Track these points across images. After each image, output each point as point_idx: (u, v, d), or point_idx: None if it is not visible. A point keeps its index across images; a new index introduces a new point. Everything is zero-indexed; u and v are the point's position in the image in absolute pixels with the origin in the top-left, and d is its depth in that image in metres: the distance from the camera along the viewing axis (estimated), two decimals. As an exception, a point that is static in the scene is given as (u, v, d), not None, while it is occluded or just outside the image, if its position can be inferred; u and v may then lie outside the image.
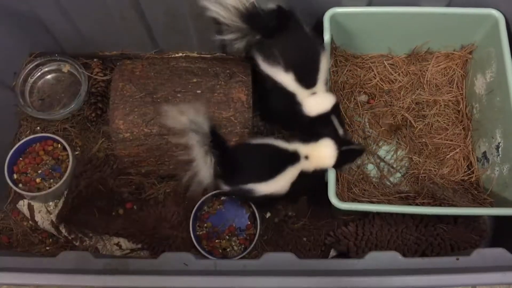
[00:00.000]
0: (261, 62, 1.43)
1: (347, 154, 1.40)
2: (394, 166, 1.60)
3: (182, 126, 1.25)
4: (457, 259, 1.11)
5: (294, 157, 1.38)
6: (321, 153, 1.38)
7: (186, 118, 1.25)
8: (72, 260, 1.13)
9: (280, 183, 1.38)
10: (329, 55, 1.45)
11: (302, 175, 1.38)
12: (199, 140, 1.27)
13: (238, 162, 1.38)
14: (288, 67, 1.38)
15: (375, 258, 1.11)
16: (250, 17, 1.34)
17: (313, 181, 1.43)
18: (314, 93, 1.40)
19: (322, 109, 1.40)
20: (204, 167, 1.30)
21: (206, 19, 1.50)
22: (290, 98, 1.41)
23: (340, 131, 1.41)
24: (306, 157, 1.38)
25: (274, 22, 1.37)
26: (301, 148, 1.39)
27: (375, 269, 1.08)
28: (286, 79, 1.39)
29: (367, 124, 1.64)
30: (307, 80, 1.40)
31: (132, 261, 1.14)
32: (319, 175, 1.41)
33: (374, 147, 1.62)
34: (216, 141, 1.30)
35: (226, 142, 1.38)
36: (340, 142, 1.38)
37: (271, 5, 1.37)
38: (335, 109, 1.42)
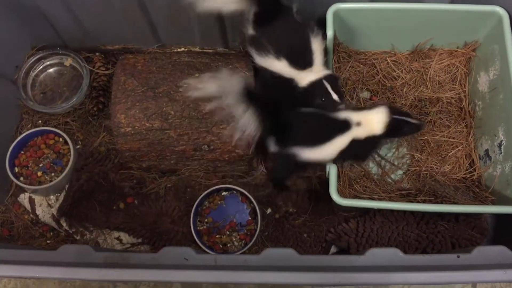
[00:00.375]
0: (255, 56, 1.44)
1: (400, 125, 1.38)
2: (396, 163, 1.60)
3: (213, 92, 1.24)
4: (458, 256, 1.10)
5: (344, 125, 1.38)
6: (373, 119, 1.38)
7: (215, 84, 1.23)
8: (73, 254, 1.13)
9: (327, 151, 1.38)
10: (321, 37, 1.44)
11: (354, 142, 1.38)
12: (235, 100, 1.25)
13: (289, 125, 1.39)
14: (279, 55, 1.39)
15: (376, 254, 1.10)
16: None
17: (364, 149, 1.44)
18: (313, 72, 1.40)
19: (314, 77, 1.39)
20: (248, 123, 1.28)
21: (209, 14, 1.51)
22: (289, 84, 1.41)
23: (335, 97, 1.37)
24: (358, 124, 1.38)
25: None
26: (353, 115, 1.39)
27: (375, 266, 1.08)
28: (281, 66, 1.40)
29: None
30: (302, 62, 1.40)
31: (132, 255, 1.14)
32: (371, 143, 1.42)
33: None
34: (254, 99, 1.28)
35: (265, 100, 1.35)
36: (395, 111, 1.38)
37: None
38: (329, 78, 1.39)
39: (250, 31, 1.46)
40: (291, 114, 1.42)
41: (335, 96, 1.37)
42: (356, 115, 1.39)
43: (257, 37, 1.44)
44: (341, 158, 1.42)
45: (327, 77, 1.38)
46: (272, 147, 1.42)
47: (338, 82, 1.40)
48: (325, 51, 1.45)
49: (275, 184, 1.61)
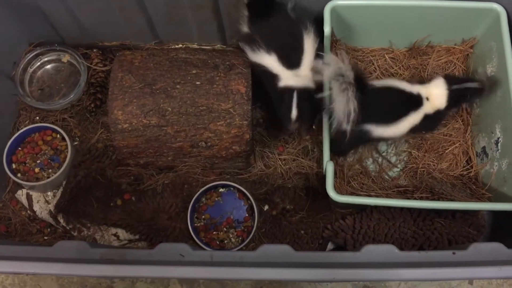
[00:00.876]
0: (248, 51, 1.46)
1: (462, 93, 1.39)
2: (393, 160, 1.60)
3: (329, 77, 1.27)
4: (454, 253, 1.10)
5: (418, 101, 1.40)
6: (434, 94, 1.39)
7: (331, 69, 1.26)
8: (69, 250, 1.13)
9: (401, 128, 1.41)
10: (315, 36, 1.44)
11: (425, 117, 1.40)
12: (343, 86, 1.26)
13: (364, 102, 1.38)
14: (270, 49, 1.40)
15: (371, 251, 1.10)
16: None
17: (433, 123, 1.46)
18: (297, 75, 1.40)
19: (291, 83, 1.39)
20: (346, 108, 1.29)
21: (206, 10, 1.51)
22: (274, 81, 1.42)
23: (293, 114, 1.38)
24: (427, 99, 1.39)
25: None
26: (422, 90, 1.40)
27: (371, 262, 1.08)
28: (270, 61, 1.41)
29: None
30: (290, 61, 1.40)
31: (128, 251, 1.14)
32: (439, 117, 1.44)
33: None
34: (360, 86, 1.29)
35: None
36: (452, 80, 1.38)
37: None
38: (302, 91, 1.38)
39: (245, 28, 1.48)
40: (366, 92, 1.41)
41: (293, 113, 1.37)
42: (424, 89, 1.40)
43: (250, 33, 1.46)
44: (411, 133, 1.44)
45: (300, 90, 1.37)
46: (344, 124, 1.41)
47: (311, 96, 1.39)
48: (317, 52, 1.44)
49: (336, 152, 1.58)
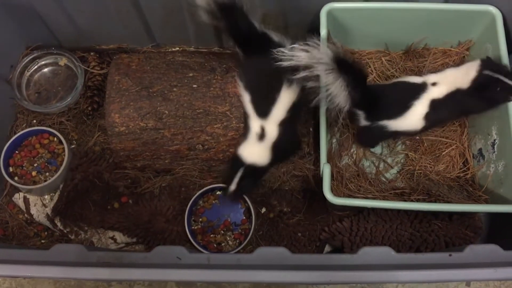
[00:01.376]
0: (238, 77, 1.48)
1: (491, 84, 1.26)
2: (389, 162, 1.60)
3: (304, 62, 1.23)
4: (450, 255, 1.11)
5: (419, 89, 1.39)
6: (459, 73, 1.36)
7: (306, 53, 1.23)
8: (66, 253, 1.13)
9: (412, 118, 1.41)
10: (295, 89, 1.40)
11: (435, 104, 1.38)
12: (325, 69, 1.23)
13: (374, 99, 1.40)
14: (247, 87, 1.42)
15: (368, 253, 1.11)
16: (225, 7, 1.33)
17: (450, 108, 1.41)
18: (262, 126, 1.40)
19: (241, 152, 1.42)
20: (339, 92, 1.28)
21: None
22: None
23: (232, 187, 1.41)
24: (434, 84, 1.37)
25: (246, 24, 1.38)
26: (431, 77, 1.39)
27: (367, 264, 1.08)
28: (245, 98, 1.43)
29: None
30: (260, 109, 1.40)
31: (125, 254, 1.14)
32: (456, 101, 1.37)
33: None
34: (345, 68, 1.26)
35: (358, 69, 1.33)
36: (491, 66, 1.28)
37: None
38: (252, 168, 1.41)
39: (240, 56, 1.48)
40: (375, 88, 1.43)
41: (232, 187, 1.40)
42: (434, 76, 1.40)
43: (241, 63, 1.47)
44: (432, 123, 1.42)
45: (248, 167, 1.40)
46: (362, 121, 1.44)
47: (254, 178, 1.42)
48: (295, 106, 1.42)
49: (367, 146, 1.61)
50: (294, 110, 1.42)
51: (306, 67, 1.23)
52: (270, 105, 1.39)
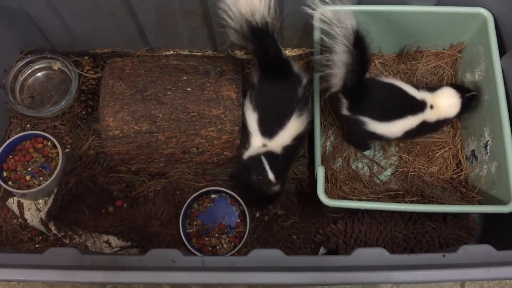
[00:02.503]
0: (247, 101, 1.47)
1: (471, 101, 1.42)
2: (383, 164, 1.60)
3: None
4: (444, 255, 1.11)
5: (419, 106, 1.41)
6: (444, 103, 1.41)
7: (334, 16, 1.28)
8: (60, 257, 1.12)
9: (395, 128, 1.43)
10: (305, 118, 1.43)
11: (423, 124, 1.42)
12: (343, 37, 1.27)
13: (365, 93, 1.40)
14: (256, 109, 1.42)
15: (362, 254, 1.11)
16: (258, 31, 1.34)
17: (431, 130, 1.48)
18: (265, 145, 1.40)
19: (253, 152, 1.40)
20: (338, 70, 1.31)
21: (197, 17, 1.52)
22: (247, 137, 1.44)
23: (270, 176, 1.33)
24: (432, 107, 1.40)
25: (274, 49, 1.39)
26: (428, 97, 1.41)
27: (361, 265, 1.09)
28: (252, 120, 1.43)
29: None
30: (267, 129, 1.41)
31: (119, 257, 1.14)
32: (440, 125, 1.47)
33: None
34: (358, 47, 1.28)
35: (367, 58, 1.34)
36: (461, 89, 1.42)
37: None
38: (271, 154, 1.37)
39: (255, 79, 1.48)
40: (370, 83, 1.43)
41: (271, 176, 1.33)
42: (430, 97, 1.42)
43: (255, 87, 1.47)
44: (405, 137, 1.46)
45: (268, 154, 1.36)
46: (344, 110, 1.45)
47: (278, 159, 1.38)
48: (299, 138, 1.45)
49: (355, 146, 1.61)
50: (297, 141, 1.44)
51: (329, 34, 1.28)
52: (278, 128, 1.40)
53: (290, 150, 1.43)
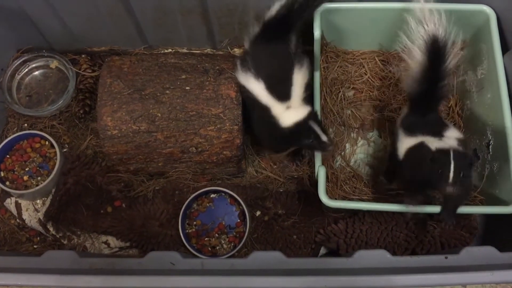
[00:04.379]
0: (239, 70, 1.45)
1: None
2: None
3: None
4: (446, 257, 1.10)
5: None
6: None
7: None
8: (57, 260, 1.12)
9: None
10: (307, 70, 1.43)
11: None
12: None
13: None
14: (258, 75, 1.39)
15: (363, 256, 1.10)
16: None
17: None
18: (289, 107, 1.38)
19: (298, 117, 1.37)
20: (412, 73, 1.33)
21: (195, 15, 1.50)
22: (267, 115, 1.40)
23: (324, 138, 1.34)
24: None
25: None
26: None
27: (363, 268, 1.08)
28: (258, 89, 1.40)
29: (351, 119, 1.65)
30: (279, 92, 1.38)
31: (118, 260, 1.13)
32: None
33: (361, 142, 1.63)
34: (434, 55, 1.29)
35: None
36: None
37: None
38: (313, 116, 1.37)
39: (246, 44, 1.47)
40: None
41: (324, 137, 1.34)
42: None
43: (247, 52, 1.45)
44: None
45: (311, 116, 1.35)
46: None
47: (319, 118, 1.38)
48: (308, 86, 1.44)
49: None
50: (309, 90, 1.44)
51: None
52: (288, 87, 1.38)
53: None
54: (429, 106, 1.38)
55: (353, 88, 1.64)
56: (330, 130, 1.61)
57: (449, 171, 1.12)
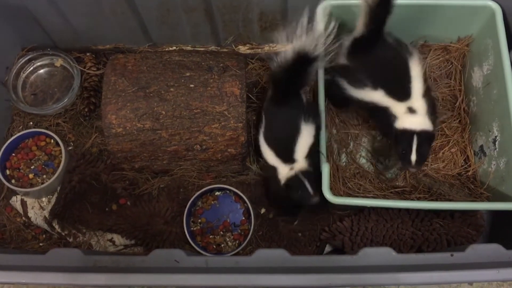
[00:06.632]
0: (347, 86, 1.43)
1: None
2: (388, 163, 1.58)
3: None
4: (452, 255, 1.09)
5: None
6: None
7: None
8: (62, 258, 1.12)
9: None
10: (418, 59, 1.41)
11: None
12: None
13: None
14: (377, 85, 1.37)
15: (368, 254, 1.09)
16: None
17: None
18: (410, 107, 1.36)
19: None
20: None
21: (199, 12, 1.49)
22: (383, 112, 1.39)
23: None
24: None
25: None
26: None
27: (368, 266, 1.07)
28: (378, 97, 1.38)
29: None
30: (400, 92, 1.37)
31: (122, 258, 1.13)
32: None
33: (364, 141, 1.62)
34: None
35: None
36: None
37: None
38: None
39: (342, 60, 1.44)
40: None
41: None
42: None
43: (350, 66, 1.42)
44: None
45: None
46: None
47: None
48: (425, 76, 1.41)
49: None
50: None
51: None
52: (408, 85, 1.37)
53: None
54: None
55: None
56: (333, 129, 1.60)
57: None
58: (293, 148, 1.38)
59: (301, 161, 1.38)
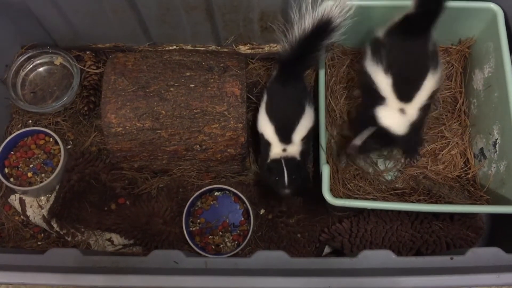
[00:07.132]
0: (368, 56, 1.43)
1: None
2: (390, 162, 1.58)
3: None
4: (451, 258, 1.09)
5: None
6: None
7: None
8: (61, 257, 1.11)
9: None
10: (439, 73, 1.38)
11: None
12: None
13: None
14: (388, 71, 1.35)
15: (368, 257, 1.09)
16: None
17: None
18: (403, 109, 1.34)
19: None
20: None
21: (200, 11, 1.49)
22: (378, 97, 1.36)
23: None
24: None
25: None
26: None
27: (367, 269, 1.07)
28: (384, 82, 1.35)
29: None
30: (405, 94, 1.34)
31: (121, 258, 1.13)
32: None
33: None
34: None
35: None
36: None
37: None
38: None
39: (379, 33, 1.42)
40: None
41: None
42: None
43: (381, 41, 1.40)
44: None
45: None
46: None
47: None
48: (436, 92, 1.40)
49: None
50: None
51: None
52: (414, 92, 1.34)
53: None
54: None
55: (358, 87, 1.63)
56: (334, 129, 1.59)
57: None
58: (293, 127, 1.38)
59: (296, 143, 1.38)
